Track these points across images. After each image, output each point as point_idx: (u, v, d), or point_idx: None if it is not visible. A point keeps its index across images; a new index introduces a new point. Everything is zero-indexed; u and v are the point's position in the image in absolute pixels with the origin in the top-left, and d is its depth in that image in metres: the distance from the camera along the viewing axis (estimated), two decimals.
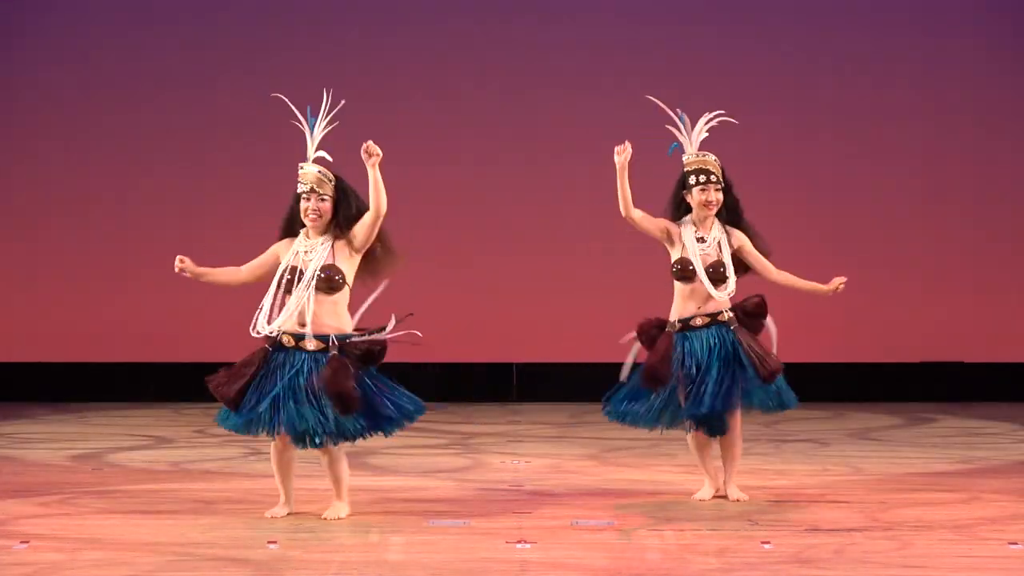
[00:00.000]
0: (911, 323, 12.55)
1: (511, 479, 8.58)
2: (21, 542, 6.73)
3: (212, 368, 7.36)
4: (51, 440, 10.34)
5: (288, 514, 7.37)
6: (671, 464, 9.16)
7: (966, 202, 12.56)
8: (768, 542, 6.73)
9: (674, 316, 7.85)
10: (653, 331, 7.88)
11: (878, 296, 12.52)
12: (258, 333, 7.30)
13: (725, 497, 7.84)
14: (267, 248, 7.46)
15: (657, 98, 7.80)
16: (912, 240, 12.55)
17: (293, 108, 7.44)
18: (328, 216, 7.36)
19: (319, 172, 7.37)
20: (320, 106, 7.40)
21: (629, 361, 7.96)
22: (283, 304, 7.32)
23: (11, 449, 9.91)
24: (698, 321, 7.83)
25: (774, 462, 9.04)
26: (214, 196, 12.34)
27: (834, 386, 12.31)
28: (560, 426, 11.17)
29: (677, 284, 7.85)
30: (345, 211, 7.37)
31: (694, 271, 7.78)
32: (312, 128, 7.45)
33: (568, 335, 12.54)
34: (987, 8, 12.53)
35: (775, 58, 12.49)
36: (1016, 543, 6.72)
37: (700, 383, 7.75)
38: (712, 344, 7.81)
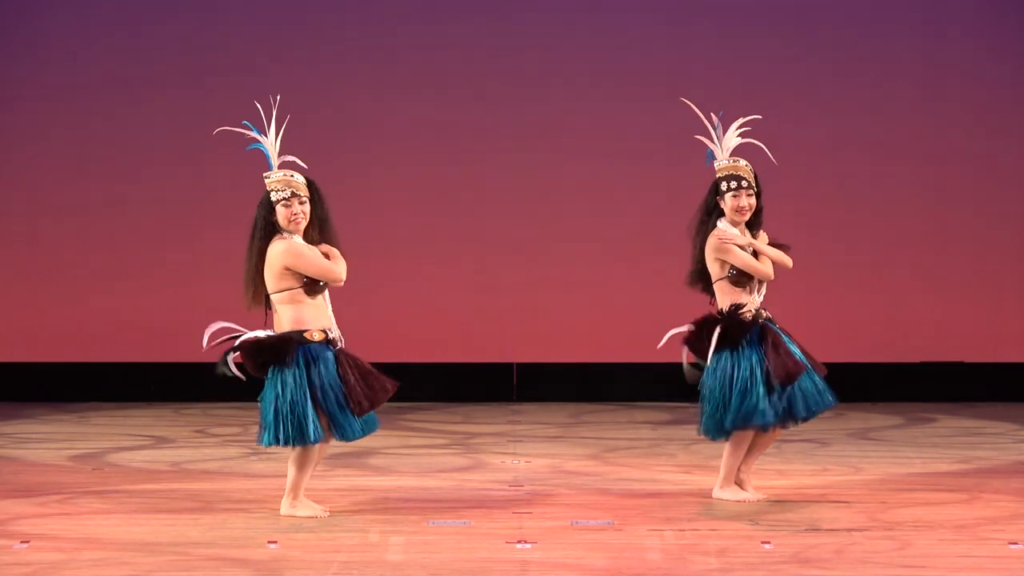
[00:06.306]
0: (911, 323, 12.54)
1: (511, 479, 8.57)
2: (21, 542, 6.73)
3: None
4: (51, 440, 10.33)
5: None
6: (671, 464, 9.16)
7: (967, 201, 12.54)
8: (768, 542, 6.73)
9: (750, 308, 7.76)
10: (734, 328, 7.71)
11: (878, 296, 12.51)
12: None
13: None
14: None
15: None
16: (912, 240, 12.54)
17: (246, 128, 7.46)
18: (308, 218, 7.40)
19: (292, 176, 7.39)
20: (273, 113, 7.45)
21: (704, 361, 7.84)
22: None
23: (11, 449, 9.90)
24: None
25: (774, 462, 9.03)
26: (214, 196, 12.32)
27: (834, 386, 12.27)
28: (560, 426, 11.16)
29: (729, 287, 7.74)
30: (319, 212, 7.42)
31: (752, 275, 7.79)
32: (267, 136, 7.47)
33: (568, 335, 12.53)
34: (989, 8, 12.52)
35: (775, 58, 12.48)
36: (1016, 543, 6.72)
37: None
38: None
